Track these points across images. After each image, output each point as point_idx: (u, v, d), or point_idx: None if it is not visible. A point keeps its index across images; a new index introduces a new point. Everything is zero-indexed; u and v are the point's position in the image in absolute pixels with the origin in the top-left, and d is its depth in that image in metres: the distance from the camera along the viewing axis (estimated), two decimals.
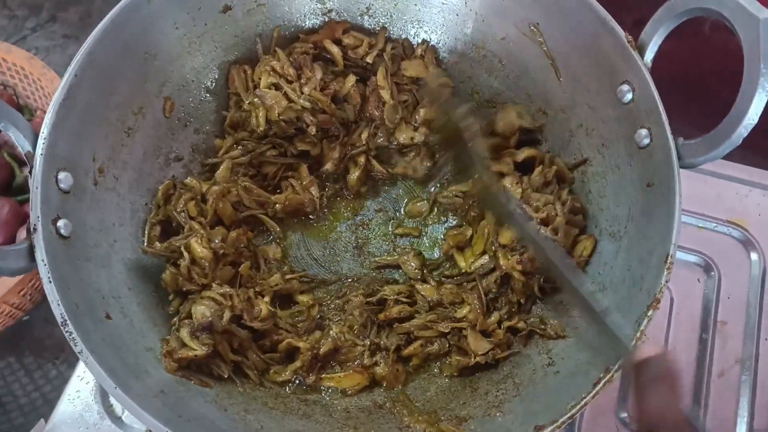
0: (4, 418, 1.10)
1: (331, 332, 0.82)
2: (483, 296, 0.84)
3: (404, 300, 0.86)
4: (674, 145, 0.72)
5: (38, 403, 1.11)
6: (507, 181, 0.85)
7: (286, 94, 0.87)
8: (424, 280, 0.88)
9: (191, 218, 0.84)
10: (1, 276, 0.95)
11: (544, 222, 0.82)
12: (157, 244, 0.82)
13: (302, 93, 0.88)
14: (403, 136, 0.94)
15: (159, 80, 0.85)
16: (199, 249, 0.80)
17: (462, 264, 0.89)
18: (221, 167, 0.89)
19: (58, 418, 0.86)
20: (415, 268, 0.89)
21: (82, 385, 0.88)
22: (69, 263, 0.70)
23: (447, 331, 0.82)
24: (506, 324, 0.82)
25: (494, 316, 0.82)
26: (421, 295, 0.86)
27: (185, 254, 0.79)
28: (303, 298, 0.87)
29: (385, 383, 0.82)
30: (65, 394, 0.88)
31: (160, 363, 0.73)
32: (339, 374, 0.81)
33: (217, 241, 0.82)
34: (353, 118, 0.95)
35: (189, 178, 0.88)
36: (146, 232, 0.83)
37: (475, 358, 0.80)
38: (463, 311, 0.83)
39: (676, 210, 0.70)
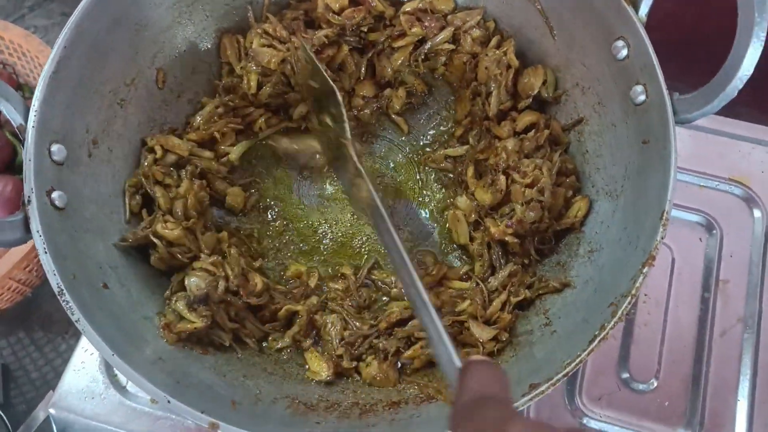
0: (17, 392, 1.12)
1: (327, 320, 0.82)
2: (484, 291, 0.82)
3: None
4: (670, 100, 0.71)
5: (49, 376, 1.13)
6: (509, 144, 0.85)
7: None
8: None
9: (157, 182, 0.82)
10: None
11: (530, 185, 0.81)
12: (131, 235, 0.78)
13: (297, 55, 0.87)
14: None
15: (151, 51, 0.85)
16: (168, 232, 0.78)
17: (461, 240, 0.88)
18: (204, 110, 0.89)
19: (64, 389, 0.88)
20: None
21: (86, 356, 0.90)
22: (65, 234, 0.70)
23: (448, 323, 0.79)
24: (514, 300, 0.81)
25: (495, 304, 0.80)
26: None
27: (157, 241, 0.78)
28: (297, 267, 0.88)
29: (375, 384, 0.79)
30: (70, 366, 0.89)
31: (158, 332, 0.74)
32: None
33: (179, 212, 0.80)
34: (349, 87, 0.94)
35: (149, 137, 0.85)
36: (126, 202, 0.81)
37: (483, 347, 0.78)
38: (462, 305, 0.81)
39: (672, 166, 0.69)
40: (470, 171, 0.87)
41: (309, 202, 0.93)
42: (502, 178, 0.83)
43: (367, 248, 0.91)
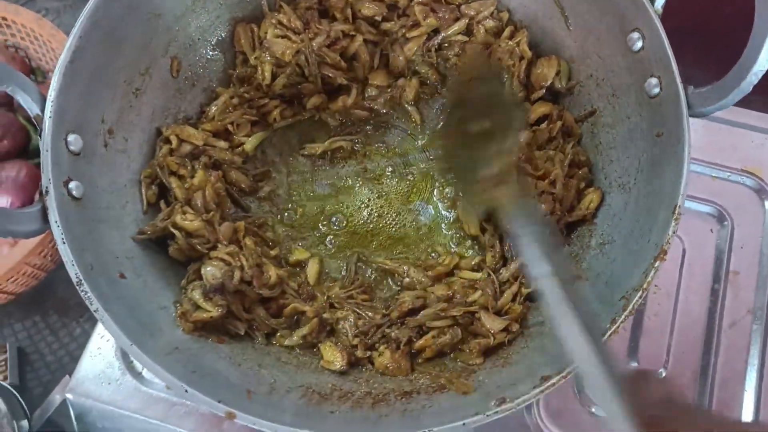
0: (33, 375, 1.14)
1: (339, 316, 0.82)
2: (495, 282, 0.82)
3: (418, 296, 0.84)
4: (684, 93, 0.70)
5: (65, 360, 1.14)
6: (521, 137, 0.85)
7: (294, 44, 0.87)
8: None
9: (172, 173, 0.83)
10: (17, 238, 0.98)
11: (542, 177, 0.81)
12: (149, 227, 0.79)
13: (312, 47, 0.87)
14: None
15: (165, 40, 0.85)
16: (188, 223, 0.78)
17: (472, 231, 0.89)
18: (219, 100, 0.89)
19: (81, 374, 0.89)
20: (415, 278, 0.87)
21: (102, 342, 0.91)
22: (82, 225, 0.71)
23: (459, 314, 0.80)
24: (525, 291, 0.81)
25: (506, 295, 0.80)
26: (435, 295, 0.83)
27: (177, 233, 0.78)
28: (300, 254, 0.89)
29: (388, 374, 0.79)
30: (87, 352, 0.90)
31: (174, 321, 0.75)
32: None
33: (199, 204, 0.81)
34: (362, 77, 0.94)
35: (164, 127, 0.86)
36: (143, 192, 0.82)
37: (495, 337, 0.78)
38: (474, 296, 0.81)
39: (685, 160, 0.69)
40: None
41: (323, 191, 0.94)
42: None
43: (387, 235, 0.92)
